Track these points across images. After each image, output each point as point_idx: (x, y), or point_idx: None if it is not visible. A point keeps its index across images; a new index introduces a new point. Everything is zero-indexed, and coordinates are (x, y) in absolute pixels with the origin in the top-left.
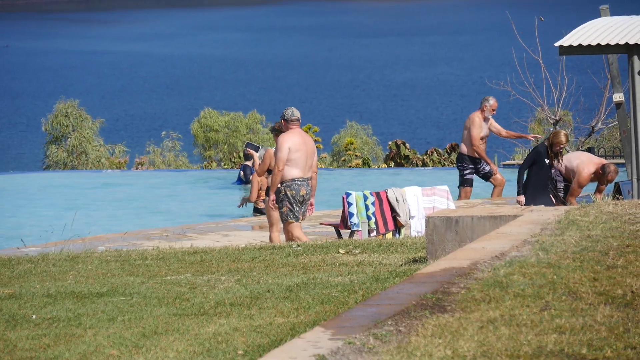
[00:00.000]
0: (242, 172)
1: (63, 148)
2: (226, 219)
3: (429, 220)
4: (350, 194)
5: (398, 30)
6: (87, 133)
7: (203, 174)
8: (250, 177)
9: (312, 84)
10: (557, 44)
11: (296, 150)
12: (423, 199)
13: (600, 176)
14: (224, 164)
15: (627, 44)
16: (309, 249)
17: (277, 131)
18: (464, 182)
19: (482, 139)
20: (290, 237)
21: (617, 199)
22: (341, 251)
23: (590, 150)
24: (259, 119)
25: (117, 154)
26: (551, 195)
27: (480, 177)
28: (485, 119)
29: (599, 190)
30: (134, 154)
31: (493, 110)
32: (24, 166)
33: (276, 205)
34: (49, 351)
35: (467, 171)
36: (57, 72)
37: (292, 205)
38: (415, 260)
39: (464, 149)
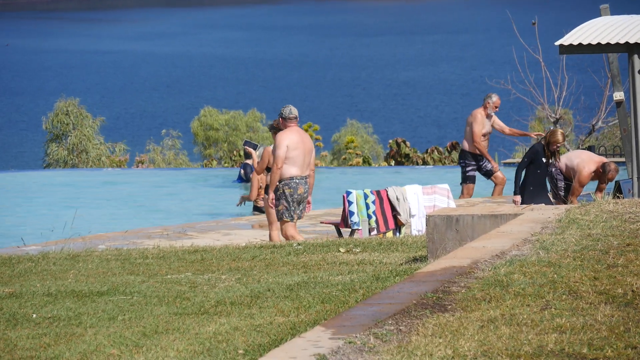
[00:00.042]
0: (242, 171)
1: (63, 146)
2: (227, 218)
3: (429, 218)
4: (351, 192)
5: (398, 29)
6: (88, 131)
7: (203, 173)
8: (251, 176)
9: (313, 82)
10: (557, 43)
11: (294, 149)
12: (423, 198)
13: (600, 175)
14: (225, 163)
15: (627, 43)
16: (309, 248)
17: (275, 129)
18: (466, 179)
19: (484, 135)
20: (284, 235)
21: (618, 197)
22: (342, 250)
23: (590, 148)
24: (259, 117)
25: (117, 152)
26: (551, 195)
27: (482, 174)
28: (488, 116)
29: (599, 189)
30: (134, 153)
31: (496, 107)
32: (25, 164)
33: (279, 204)
34: (49, 350)
35: (469, 168)
36: (58, 70)
37: (289, 204)
38: (415, 259)
39: (465, 145)
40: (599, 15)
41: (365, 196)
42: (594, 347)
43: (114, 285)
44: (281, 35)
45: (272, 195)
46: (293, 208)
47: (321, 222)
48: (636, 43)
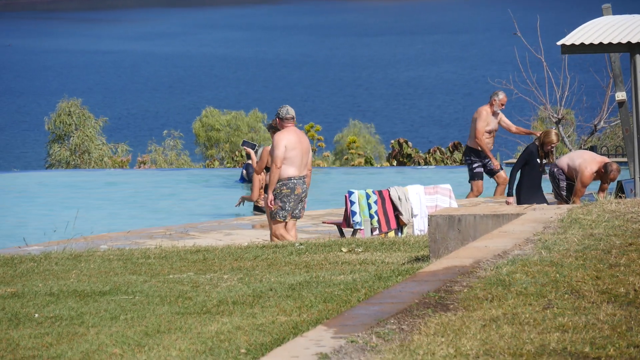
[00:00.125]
0: (244, 171)
1: (66, 147)
2: (228, 218)
3: (431, 218)
4: (353, 192)
5: (399, 29)
6: (90, 132)
7: (205, 173)
8: (252, 176)
9: (314, 82)
10: (559, 42)
11: (292, 149)
12: (425, 198)
13: (602, 175)
14: (227, 163)
15: (629, 42)
16: (311, 248)
17: (274, 128)
18: (474, 176)
19: (489, 133)
20: (273, 234)
21: (620, 197)
22: (344, 250)
23: (592, 148)
24: (260, 117)
25: (119, 152)
26: (553, 194)
27: (485, 172)
28: (495, 114)
29: (601, 189)
30: (136, 153)
31: (502, 104)
32: (27, 165)
33: (274, 203)
34: (51, 350)
35: (476, 164)
36: (59, 71)
37: (284, 204)
38: (417, 259)
39: (470, 142)
40: (601, 14)
41: (368, 196)
42: (597, 346)
43: (116, 285)
44: (281, 35)
45: (271, 195)
46: (288, 208)
47: (323, 222)
48: (638, 43)
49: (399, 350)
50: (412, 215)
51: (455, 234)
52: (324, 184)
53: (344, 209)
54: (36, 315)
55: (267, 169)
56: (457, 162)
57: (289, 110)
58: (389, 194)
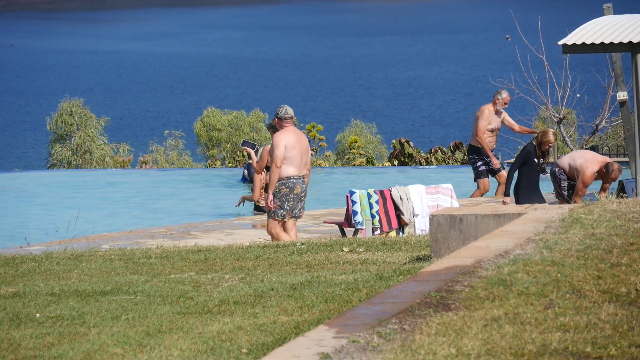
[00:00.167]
0: (246, 171)
1: (67, 147)
2: (230, 218)
3: (432, 218)
4: (354, 192)
5: (399, 29)
6: (92, 132)
7: (206, 173)
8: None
9: (315, 82)
10: (560, 42)
11: (292, 148)
12: (427, 197)
13: (604, 175)
14: (228, 163)
15: (630, 42)
16: (313, 247)
17: (274, 128)
18: (479, 175)
19: (492, 131)
20: (268, 231)
21: (621, 197)
22: (345, 249)
23: (594, 148)
24: (261, 117)
25: (121, 152)
26: (554, 194)
27: (487, 171)
28: (498, 112)
29: (603, 189)
30: (137, 153)
31: (505, 103)
32: (28, 165)
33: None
34: (52, 350)
35: (479, 163)
36: (59, 70)
37: (283, 203)
38: (419, 259)
39: (472, 141)
40: (602, 14)
41: (369, 196)
42: (598, 345)
43: (118, 284)
44: (282, 35)
45: (271, 195)
46: (287, 207)
47: (324, 222)
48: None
49: (401, 350)
50: (414, 215)
51: (456, 234)
52: (326, 184)
53: (345, 209)
54: (37, 315)
55: (267, 168)
56: (459, 161)
57: (287, 110)
58: (391, 194)
